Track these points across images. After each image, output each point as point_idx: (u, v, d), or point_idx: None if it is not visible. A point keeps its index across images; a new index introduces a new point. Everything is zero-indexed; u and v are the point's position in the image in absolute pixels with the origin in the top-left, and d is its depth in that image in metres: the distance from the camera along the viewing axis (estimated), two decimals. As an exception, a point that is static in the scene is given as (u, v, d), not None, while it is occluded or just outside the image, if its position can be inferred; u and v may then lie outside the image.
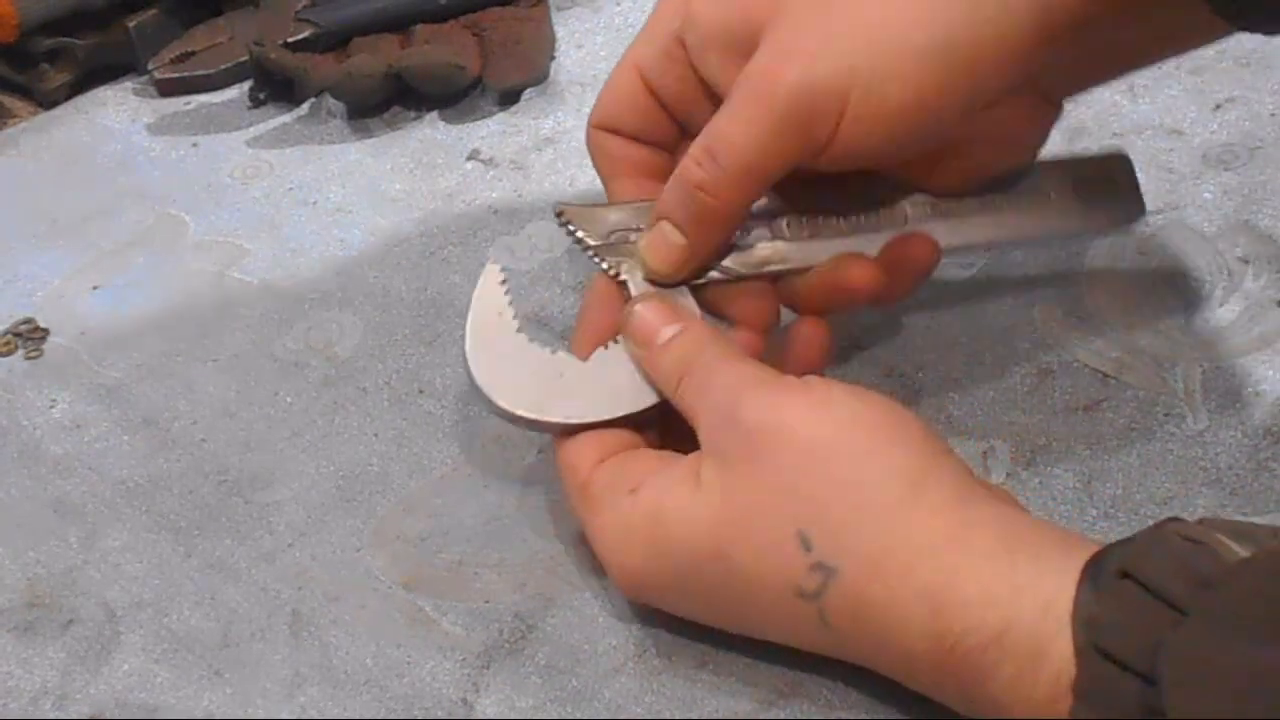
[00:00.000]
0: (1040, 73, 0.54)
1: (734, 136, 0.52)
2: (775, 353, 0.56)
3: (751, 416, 0.49)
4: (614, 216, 0.56)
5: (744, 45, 0.53)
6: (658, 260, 0.55)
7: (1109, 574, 0.43)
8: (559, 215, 0.56)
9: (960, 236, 0.59)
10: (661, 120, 0.57)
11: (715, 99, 0.55)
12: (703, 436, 0.51)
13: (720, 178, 0.53)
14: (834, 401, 0.50)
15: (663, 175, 0.56)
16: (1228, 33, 0.55)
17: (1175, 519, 0.45)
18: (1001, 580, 0.45)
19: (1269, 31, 0.53)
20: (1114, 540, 0.45)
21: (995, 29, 0.51)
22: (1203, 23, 0.52)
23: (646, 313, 0.54)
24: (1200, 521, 0.44)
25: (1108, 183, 0.62)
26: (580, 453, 0.54)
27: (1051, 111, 0.59)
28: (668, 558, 0.50)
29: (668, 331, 0.54)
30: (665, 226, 0.55)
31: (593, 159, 0.59)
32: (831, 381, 0.51)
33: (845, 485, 0.48)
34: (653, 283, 0.56)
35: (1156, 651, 0.41)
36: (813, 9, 0.52)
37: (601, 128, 0.58)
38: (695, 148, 0.53)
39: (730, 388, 0.51)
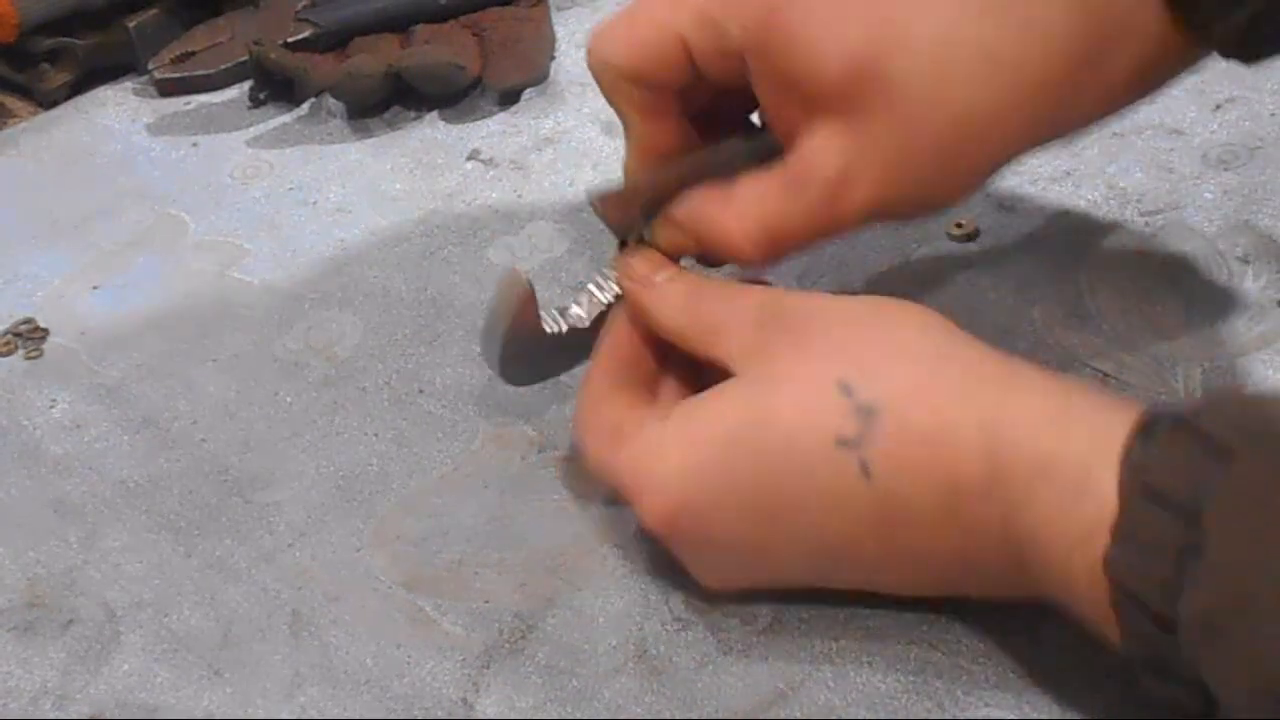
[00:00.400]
0: None
1: (793, 237, 0.54)
2: None
3: (795, 317, 0.52)
4: (648, 192, 0.57)
5: (807, 101, 0.53)
6: (662, 241, 0.57)
7: (1164, 425, 0.43)
8: (595, 209, 0.57)
9: None
10: (689, 76, 0.56)
11: (750, 86, 0.55)
12: (734, 347, 0.52)
13: (765, 259, 0.55)
14: (864, 298, 0.54)
15: (675, 108, 0.57)
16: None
17: (1237, 387, 0.45)
18: (1054, 411, 0.46)
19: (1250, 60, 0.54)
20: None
21: (1037, 145, 0.55)
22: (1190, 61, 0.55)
23: (640, 261, 0.56)
24: (1260, 392, 0.44)
25: None
26: (603, 407, 0.55)
27: None
28: (700, 449, 0.50)
29: (663, 273, 0.56)
30: (678, 235, 0.56)
31: (609, 97, 0.57)
32: None
33: (882, 338, 0.50)
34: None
35: (1202, 493, 0.41)
36: (892, 108, 0.52)
37: (626, 78, 0.56)
38: (752, 229, 0.54)
39: (771, 298, 0.53)
